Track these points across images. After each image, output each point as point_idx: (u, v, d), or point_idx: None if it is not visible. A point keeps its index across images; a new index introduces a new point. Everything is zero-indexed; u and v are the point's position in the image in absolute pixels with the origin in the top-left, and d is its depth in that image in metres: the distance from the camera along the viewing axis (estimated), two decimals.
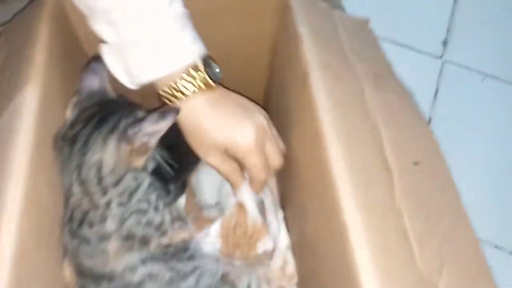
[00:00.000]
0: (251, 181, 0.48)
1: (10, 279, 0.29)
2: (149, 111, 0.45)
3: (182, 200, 0.58)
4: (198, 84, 0.43)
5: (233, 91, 0.50)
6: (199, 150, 0.46)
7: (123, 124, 0.42)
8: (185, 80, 0.42)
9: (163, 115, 0.42)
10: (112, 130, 0.42)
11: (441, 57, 0.91)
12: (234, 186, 0.49)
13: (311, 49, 0.45)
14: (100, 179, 0.42)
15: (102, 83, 0.46)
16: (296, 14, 0.48)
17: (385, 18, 0.94)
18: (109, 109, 0.44)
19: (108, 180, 0.42)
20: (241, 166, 0.48)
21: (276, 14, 0.54)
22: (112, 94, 0.47)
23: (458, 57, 0.92)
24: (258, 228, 0.49)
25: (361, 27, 0.56)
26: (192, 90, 0.43)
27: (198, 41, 0.45)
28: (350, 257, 0.33)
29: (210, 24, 0.54)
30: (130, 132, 0.41)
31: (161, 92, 0.44)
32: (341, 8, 0.58)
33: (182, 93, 0.43)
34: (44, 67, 0.40)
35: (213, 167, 0.47)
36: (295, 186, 0.53)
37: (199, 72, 0.43)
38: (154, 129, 0.42)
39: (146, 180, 0.45)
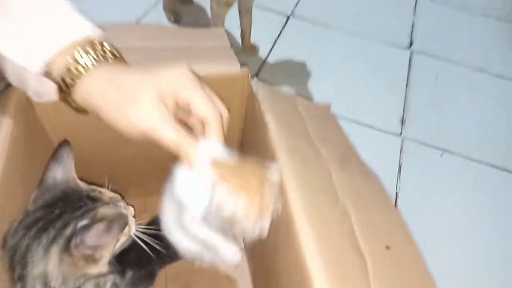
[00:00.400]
0: (209, 125, 0.39)
1: None
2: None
3: None
4: (100, 54, 0.37)
5: None
6: (129, 118, 0.36)
7: (67, 233, 0.39)
8: (83, 51, 0.36)
9: (109, 228, 0.39)
10: (53, 240, 0.38)
11: (400, 134, 0.97)
12: (190, 155, 0.38)
13: (278, 135, 0.46)
14: None
15: (66, 171, 0.44)
16: (262, 103, 0.50)
17: (344, 99, 1.01)
18: (55, 213, 0.40)
19: None
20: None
21: (243, 101, 0.56)
22: (74, 181, 0.45)
23: (417, 134, 0.98)
24: None
25: (324, 112, 0.59)
26: (95, 60, 0.36)
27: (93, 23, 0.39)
28: None
29: None
30: (72, 243, 0.38)
31: (58, 77, 0.36)
32: (305, 93, 0.62)
33: (83, 66, 0.35)
34: (5, 160, 0.39)
35: (154, 135, 0.36)
36: (270, 273, 0.51)
37: (99, 45, 0.37)
38: (97, 243, 0.39)
39: (109, 283, 0.43)
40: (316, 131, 0.51)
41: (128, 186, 0.65)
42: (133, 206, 0.49)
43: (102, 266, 0.42)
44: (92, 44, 0.36)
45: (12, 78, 0.40)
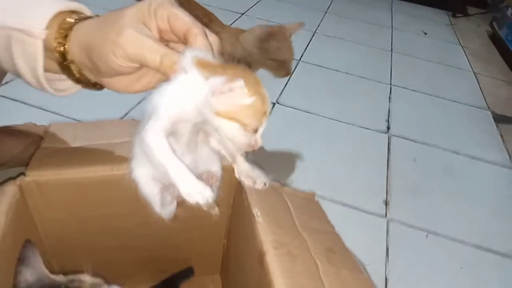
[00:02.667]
0: (193, 34, 0.39)
1: None
2: None
3: None
4: (84, 16, 0.42)
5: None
6: (114, 40, 0.37)
7: None
8: (71, 15, 0.41)
9: None
10: None
11: (385, 216, 0.99)
12: (174, 61, 0.38)
13: (265, 228, 0.48)
14: None
15: (36, 271, 0.43)
16: (249, 195, 0.52)
17: (328, 182, 1.05)
18: None
19: None
20: None
21: (231, 191, 0.58)
22: (48, 278, 0.43)
23: (401, 216, 1.00)
24: None
25: (308, 200, 0.61)
26: (82, 19, 0.41)
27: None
28: None
29: None
30: None
31: (55, 40, 0.40)
32: (289, 176, 0.64)
33: (73, 22, 0.40)
34: None
35: (138, 50, 0.38)
36: None
37: (81, 11, 0.43)
38: None
39: None
40: (302, 220, 0.53)
41: (116, 277, 0.64)
42: (119, 285, 0.47)
43: None
44: (76, 11, 0.42)
45: (27, 76, 0.43)
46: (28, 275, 0.42)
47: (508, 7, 2.17)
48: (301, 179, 0.61)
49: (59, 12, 0.41)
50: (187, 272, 0.69)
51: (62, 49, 0.41)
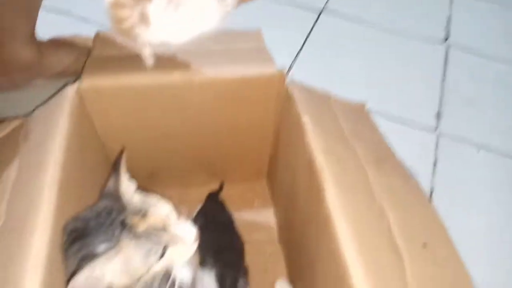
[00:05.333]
0: None
1: None
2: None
3: None
4: None
5: None
6: None
7: (83, 252, 0.39)
8: None
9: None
10: (67, 258, 0.39)
11: (435, 130, 0.95)
12: None
13: (315, 136, 0.47)
14: None
15: (117, 184, 0.43)
16: (298, 103, 0.52)
17: (378, 94, 1.00)
18: (83, 232, 0.40)
19: None
20: None
21: (279, 101, 0.58)
22: (124, 195, 0.43)
23: (453, 130, 0.96)
24: None
25: (359, 110, 0.60)
26: None
27: None
28: None
29: (219, 109, 0.58)
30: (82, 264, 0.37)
31: None
32: (338, 90, 0.61)
33: None
34: (62, 161, 0.42)
35: None
36: (305, 266, 0.52)
37: None
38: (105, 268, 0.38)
39: None
40: (352, 130, 0.52)
41: (169, 178, 0.69)
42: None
43: None
44: None
45: None
46: (112, 182, 0.43)
47: None
48: (349, 91, 0.59)
49: None
50: (221, 186, 0.73)
51: None
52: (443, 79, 1.08)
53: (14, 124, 0.49)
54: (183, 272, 0.52)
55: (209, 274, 0.56)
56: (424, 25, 1.25)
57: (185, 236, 0.42)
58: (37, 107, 0.52)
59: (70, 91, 0.49)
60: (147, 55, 0.43)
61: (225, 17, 0.43)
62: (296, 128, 0.51)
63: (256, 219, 0.72)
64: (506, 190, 0.87)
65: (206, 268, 0.57)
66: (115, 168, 0.44)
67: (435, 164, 0.89)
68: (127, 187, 0.44)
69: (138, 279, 0.40)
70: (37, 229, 0.36)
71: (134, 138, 0.60)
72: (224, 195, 0.75)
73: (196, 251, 0.55)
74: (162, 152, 0.64)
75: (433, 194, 0.84)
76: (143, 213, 0.42)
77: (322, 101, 0.56)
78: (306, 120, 0.49)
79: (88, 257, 0.38)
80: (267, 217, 0.72)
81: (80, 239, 0.40)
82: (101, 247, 0.39)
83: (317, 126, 0.48)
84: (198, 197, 0.71)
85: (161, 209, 0.43)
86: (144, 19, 0.40)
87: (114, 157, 0.61)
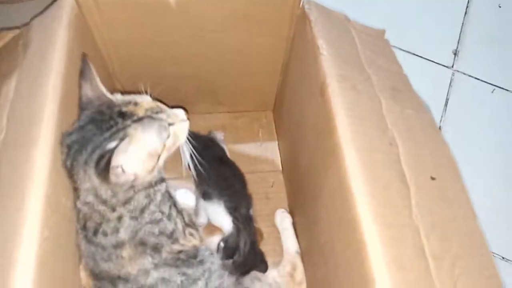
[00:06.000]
0: None
1: (34, 285, 0.30)
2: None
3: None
4: None
5: None
6: None
7: (94, 157, 0.39)
8: None
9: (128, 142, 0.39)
10: (86, 163, 0.39)
11: (452, 66, 0.91)
12: None
13: (329, 61, 0.45)
14: (103, 201, 0.41)
15: (94, 88, 0.43)
16: (314, 25, 0.48)
17: (396, 26, 0.94)
18: (87, 136, 0.40)
19: (114, 201, 0.41)
20: None
21: (293, 22, 0.54)
22: (105, 96, 0.44)
23: (469, 68, 0.91)
24: None
25: (377, 37, 0.56)
26: None
27: None
28: (367, 272, 0.33)
29: (227, 30, 0.55)
30: (102, 164, 0.38)
31: None
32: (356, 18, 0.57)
33: None
34: (63, 72, 0.40)
35: None
36: (308, 196, 0.53)
37: None
38: (124, 160, 0.39)
39: (159, 193, 0.45)
40: (369, 57, 0.49)
41: (172, 103, 0.67)
42: (184, 108, 0.47)
43: (150, 176, 0.43)
44: None
45: None
46: (87, 90, 0.43)
47: None
48: (367, 21, 0.54)
49: None
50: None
51: None
52: (466, 13, 1.01)
53: (13, 33, 0.46)
54: (187, 196, 0.54)
55: (218, 204, 0.57)
56: None
57: (179, 114, 0.45)
58: (34, 16, 0.49)
59: (69, 1, 0.45)
60: None
61: None
62: (310, 52, 0.48)
63: (260, 151, 0.72)
64: None
65: (213, 200, 0.58)
66: (83, 75, 0.43)
67: (447, 102, 0.86)
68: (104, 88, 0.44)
69: (158, 159, 0.43)
70: (40, 141, 0.35)
71: (138, 57, 0.57)
72: (229, 125, 0.74)
73: (196, 184, 0.56)
74: (167, 75, 0.61)
75: (442, 131, 0.82)
76: (134, 102, 0.43)
77: (340, 24, 0.52)
78: (321, 43, 0.45)
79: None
80: (272, 149, 0.72)
81: (84, 146, 0.40)
82: (111, 143, 0.39)
83: (332, 51, 0.45)
84: (202, 124, 0.70)
85: (146, 98, 0.45)
86: None
87: (116, 76, 0.59)
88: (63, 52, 0.41)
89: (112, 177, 0.39)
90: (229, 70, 0.63)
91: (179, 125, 0.45)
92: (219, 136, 0.69)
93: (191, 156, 0.49)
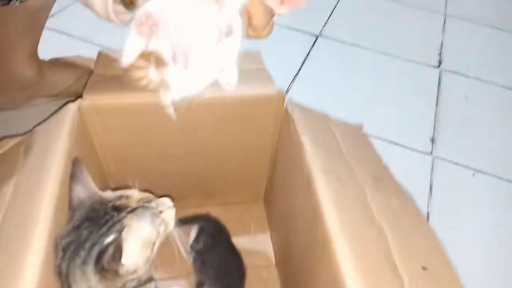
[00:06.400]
0: None
1: None
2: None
3: None
4: None
5: None
6: None
7: (94, 254, 0.40)
8: None
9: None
10: (84, 262, 0.40)
11: (431, 153, 0.96)
12: None
13: (313, 155, 0.48)
14: None
15: (86, 187, 0.45)
16: (297, 124, 0.52)
17: (373, 117, 1.02)
18: (84, 235, 0.41)
19: None
20: None
21: (278, 121, 0.58)
22: (97, 195, 0.45)
23: (447, 154, 0.97)
24: None
25: (356, 131, 0.60)
26: None
27: None
28: None
29: (218, 129, 0.59)
30: (104, 261, 0.39)
31: None
32: (335, 111, 0.62)
33: None
34: (62, 178, 0.42)
35: None
36: None
37: None
38: (125, 251, 0.40)
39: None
40: (350, 150, 0.52)
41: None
42: (170, 197, 0.49)
43: (143, 270, 0.43)
44: None
45: (98, 6, 0.46)
46: (79, 191, 0.44)
47: None
48: (346, 113, 0.60)
49: None
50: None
51: None
52: (437, 104, 1.10)
53: (14, 141, 0.49)
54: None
55: None
56: (418, 50, 1.28)
57: (166, 202, 0.48)
58: (37, 125, 0.52)
59: (72, 108, 0.49)
60: (171, 112, 0.47)
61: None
62: (295, 148, 0.51)
63: (253, 244, 0.71)
64: (502, 212, 0.87)
65: None
66: (75, 178, 0.45)
67: (431, 188, 0.89)
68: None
69: (153, 247, 0.44)
70: (32, 248, 0.36)
71: (132, 157, 0.60)
72: (221, 218, 0.74)
73: (194, 272, 0.55)
74: (159, 172, 0.64)
75: (430, 218, 0.84)
76: (125, 196, 0.45)
77: (320, 121, 0.56)
78: (305, 140, 0.49)
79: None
80: (264, 241, 0.72)
81: (82, 246, 0.40)
82: (109, 237, 0.40)
83: (315, 146, 0.49)
84: None
85: (134, 192, 0.47)
86: (164, 84, 0.45)
87: (111, 175, 0.61)
88: (62, 157, 0.44)
89: (112, 271, 0.39)
90: (220, 165, 0.66)
91: (168, 212, 0.47)
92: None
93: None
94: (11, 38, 0.70)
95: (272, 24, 0.47)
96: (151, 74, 0.45)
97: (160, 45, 0.44)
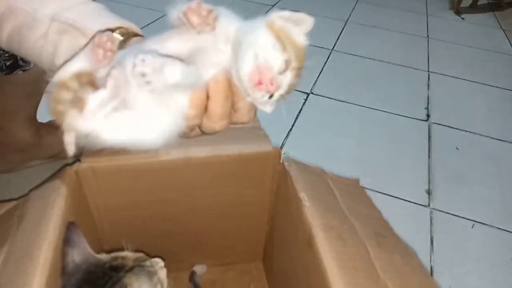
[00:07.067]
0: None
1: None
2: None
3: None
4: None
5: None
6: None
7: None
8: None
9: None
10: None
11: (428, 205, 0.96)
12: None
13: (313, 211, 0.47)
14: None
15: (82, 251, 0.44)
16: (295, 180, 0.52)
17: (369, 171, 1.03)
18: None
19: None
20: None
21: (275, 177, 0.59)
22: (93, 257, 0.45)
23: (445, 206, 0.97)
24: None
25: (353, 186, 0.61)
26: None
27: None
28: None
29: (215, 188, 0.59)
30: None
31: None
32: (330, 167, 0.63)
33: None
34: (56, 243, 0.41)
35: None
36: None
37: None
38: None
39: None
40: (349, 206, 0.52)
41: (166, 262, 0.66)
42: (161, 257, 0.49)
43: None
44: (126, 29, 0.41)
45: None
46: (75, 255, 0.44)
47: None
48: (340, 169, 0.60)
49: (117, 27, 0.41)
50: None
51: None
52: (429, 156, 1.12)
53: (9, 205, 0.48)
54: None
55: None
56: (407, 105, 1.33)
57: (158, 262, 0.48)
58: (33, 188, 0.52)
59: (69, 172, 0.49)
60: (69, 141, 0.36)
61: None
62: (294, 205, 0.51)
63: None
64: (505, 263, 0.85)
65: None
66: (70, 242, 0.44)
67: (431, 241, 0.88)
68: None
69: None
70: None
71: (128, 218, 0.59)
72: (219, 280, 0.71)
73: None
74: (155, 232, 0.62)
75: (433, 272, 0.81)
76: (121, 257, 0.46)
77: (318, 177, 0.57)
78: (303, 196, 0.49)
79: None
80: None
81: None
82: None
83: (314, 202, 0.49)
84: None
85: (128, 253, 0.47)
86: (78, 103, 0.34)
87: (105, 236, 0.60)
88: (57, 222, 0.43)
89: None
90: (217, 224, 0.65)
91: (160, 272, 0.48)
92: (200, 269, 0.70)
93: None
94: (12, 104, 0.71)
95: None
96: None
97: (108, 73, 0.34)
